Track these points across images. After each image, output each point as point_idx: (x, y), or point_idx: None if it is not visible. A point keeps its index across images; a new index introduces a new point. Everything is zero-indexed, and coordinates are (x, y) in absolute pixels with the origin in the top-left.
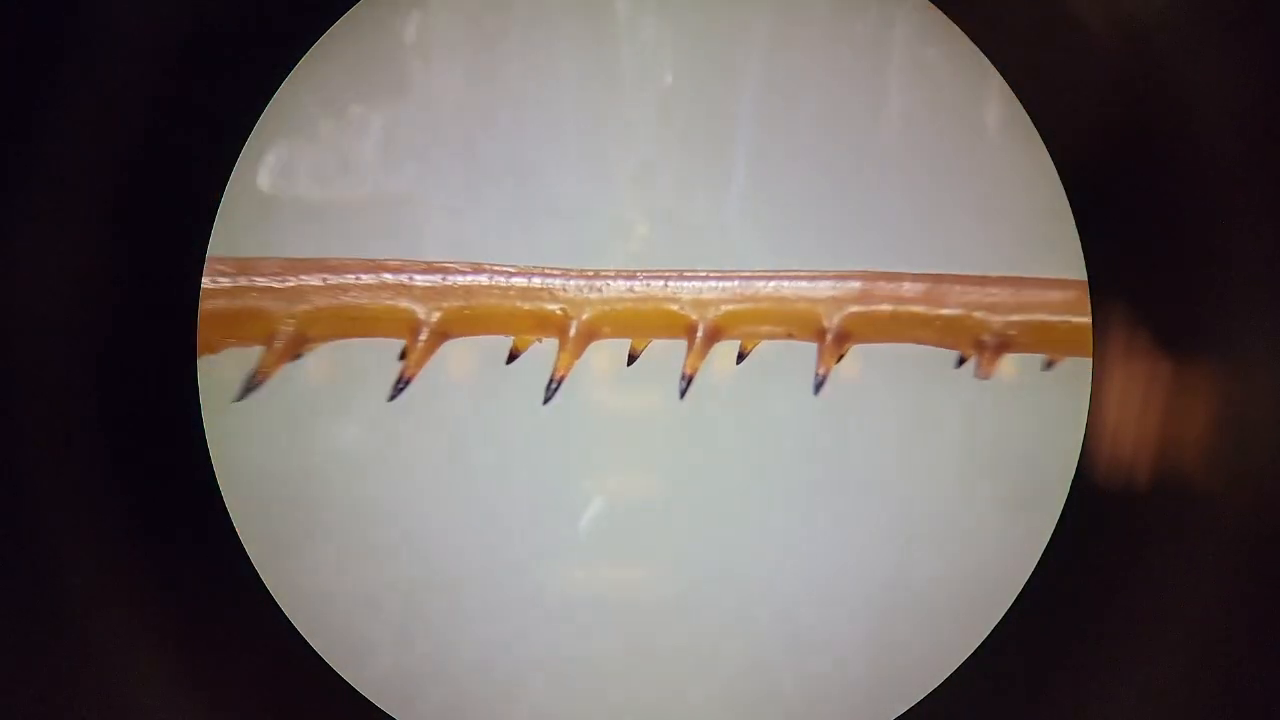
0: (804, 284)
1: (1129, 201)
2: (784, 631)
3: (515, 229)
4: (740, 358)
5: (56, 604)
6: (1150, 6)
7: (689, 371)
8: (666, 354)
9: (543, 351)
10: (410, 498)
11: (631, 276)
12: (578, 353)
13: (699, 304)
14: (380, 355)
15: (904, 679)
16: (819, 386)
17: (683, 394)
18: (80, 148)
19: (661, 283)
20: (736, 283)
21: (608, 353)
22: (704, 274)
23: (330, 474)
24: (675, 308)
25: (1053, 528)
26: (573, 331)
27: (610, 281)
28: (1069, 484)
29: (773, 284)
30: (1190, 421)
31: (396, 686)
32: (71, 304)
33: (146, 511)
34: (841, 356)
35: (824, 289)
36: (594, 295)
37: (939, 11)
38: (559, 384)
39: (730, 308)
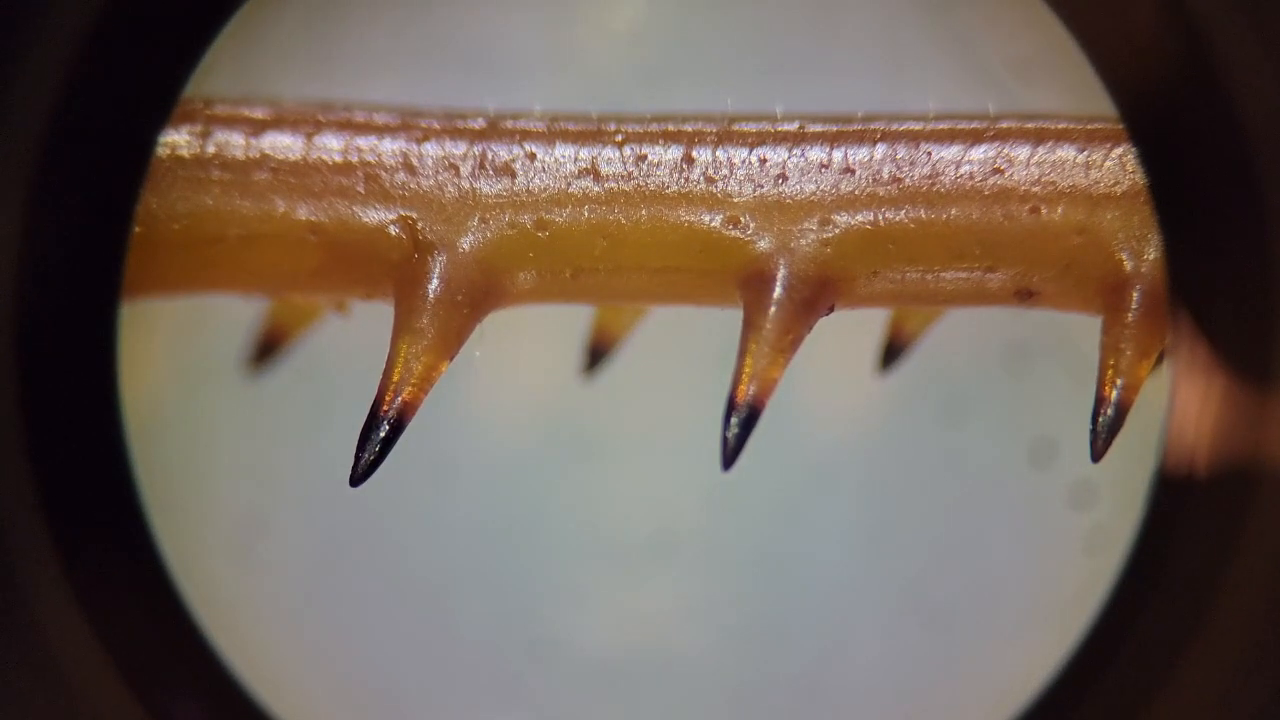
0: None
1: (1213, 208)
2: (858, 651)
3: None
4: (889, 355)
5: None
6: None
7: (748, 397)
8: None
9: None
10: (397, 533)
11: (598, 138)
12: (446, 350)
13: (776, 210)
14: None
15: (979, 703)
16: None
17: (728, 464)
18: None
19: (677, 151)
20: (870, 150)
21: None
22: (780, 129)
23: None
24: (716, 221)
25: (1132, 534)
26: (431, 290)
27: (542, 149)
28: (1148, 487)
29: (971, 152)
30: (1271, 421)
31: None
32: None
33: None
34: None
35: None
36: (493, 188)
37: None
38: (387, 426)
39: (866, 219)
